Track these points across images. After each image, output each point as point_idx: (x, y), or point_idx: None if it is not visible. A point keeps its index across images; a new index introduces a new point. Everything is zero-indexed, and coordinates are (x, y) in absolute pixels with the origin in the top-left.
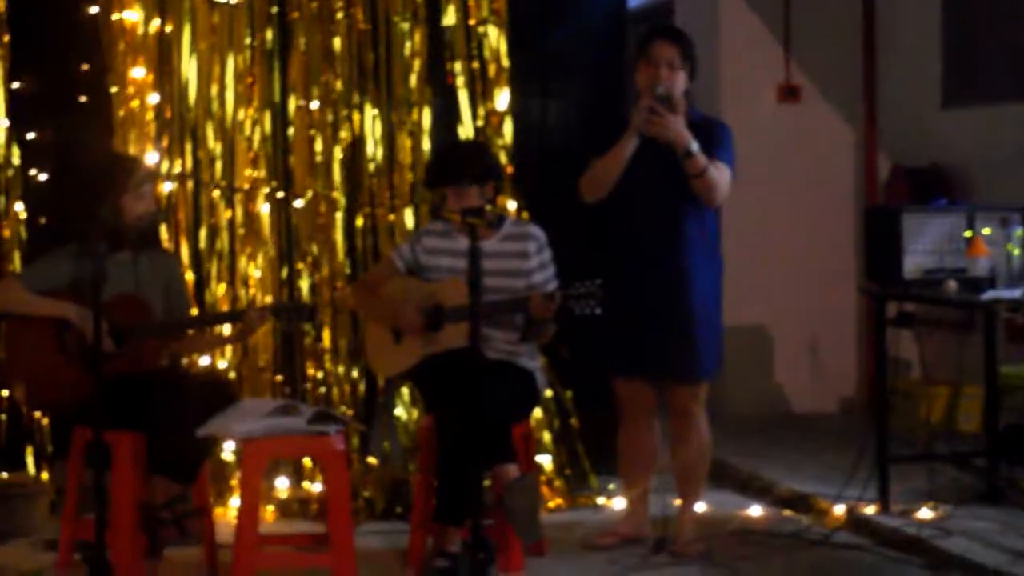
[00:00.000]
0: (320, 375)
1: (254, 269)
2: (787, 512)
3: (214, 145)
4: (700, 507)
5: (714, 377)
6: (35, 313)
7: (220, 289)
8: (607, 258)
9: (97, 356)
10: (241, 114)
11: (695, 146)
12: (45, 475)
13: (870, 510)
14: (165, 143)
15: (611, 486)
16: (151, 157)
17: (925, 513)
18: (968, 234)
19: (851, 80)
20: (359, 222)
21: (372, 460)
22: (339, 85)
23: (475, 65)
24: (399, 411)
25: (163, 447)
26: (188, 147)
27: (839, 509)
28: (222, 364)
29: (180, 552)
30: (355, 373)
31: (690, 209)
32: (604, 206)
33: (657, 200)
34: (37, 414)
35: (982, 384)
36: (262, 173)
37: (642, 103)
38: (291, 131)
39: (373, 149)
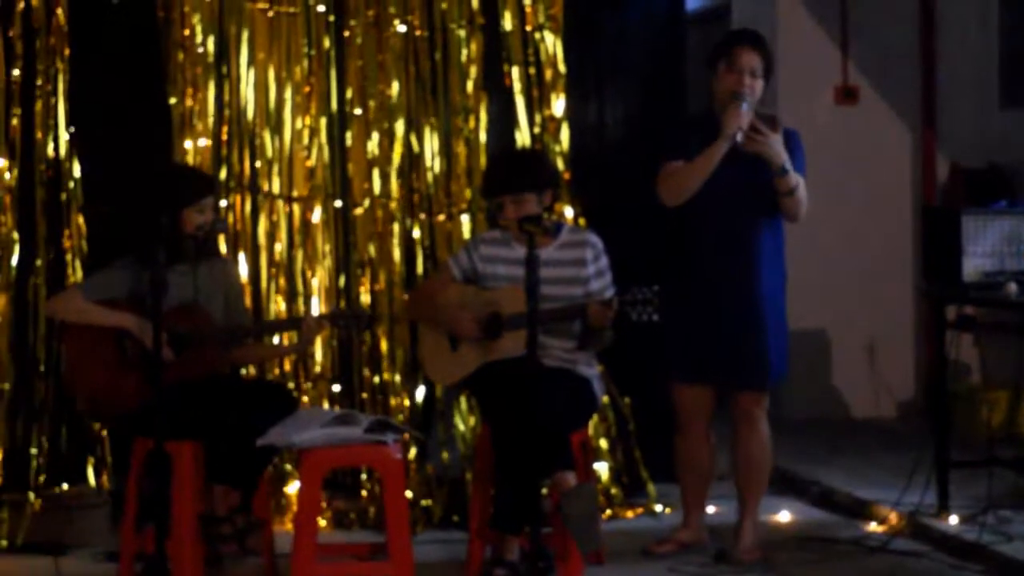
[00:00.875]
0: (377, 383)
1: (312, 278)
2: (846, 518)
3: (272, 154)
4: (759, 513)
5: (782, 383)
6: (95, 323)
7: (278, 298)
8: (675, 263)
9: (157, 365)
10: (298, 123)
11: (789, 164)
12: (106, 485)
13: (930, 516)
14: (223, 153)
15: (669, 494)
16: (210, 168)
17: (986, 519)
18: None
19: (909, 81)
20: (416, 230)
21: (430, 469)
22: (396, 93)
23: (532, 71)
24: (457, 420)
25: (223, 455)
26: (246, 156)
27: (898, 515)
28: (280, 372)
29: (239, 563)
30: (412, 382)
31: (765, 218)
32: (679, 210)
33: (735, 207)
34: (97, 425)
35: None
36: (319, 182)
37: (731, 111)
38: (348, 139)
39: (430, 157)
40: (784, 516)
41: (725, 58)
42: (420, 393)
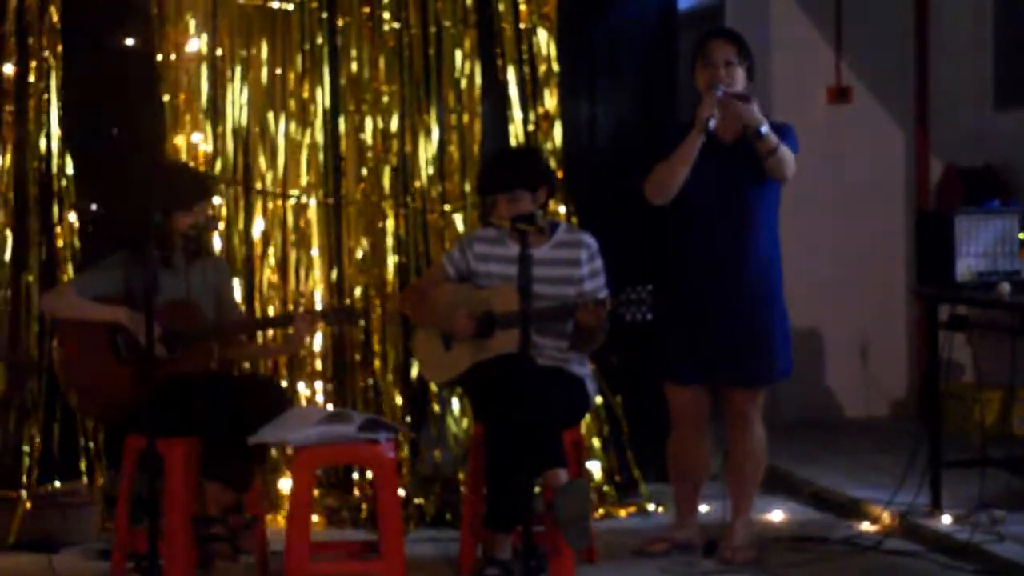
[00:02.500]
0: (370, 382)
1: (305, 274)
2: (839, 518)
3: (264, 151)
4: (751, 513)
5: (786, 380)
6: (88, 318)
7: (271, 295)
8: (669, 263)
9: (149, 361)
10: (292, 120)
11: (766, 126)
12: (99, 482)
13: (922, 516)
14: (216, 149)
15: (661, 493)
16: (202, 164)
17: (978, 518)
18: (1022, 236)
19: (903, 81)
20: (410, 227)
21: (422, 467)
22: (389, 90)
23: (525, 69)
24: (449, 419)
25: (216, 452)
26: (239, 153)
27: (891, 515)
28: (273, 370)
29: (231, 562)
30: (405, 380)
31: (761, 212)
32: (669, 211)
33: (728, 202)
34: (90, 422)
35: None
36: (312, 178)
37: (705, 101)
38: (341, 136)
39: (423, 154)
40: (777, 515)
41: (700, 55)
42: (413, 392)
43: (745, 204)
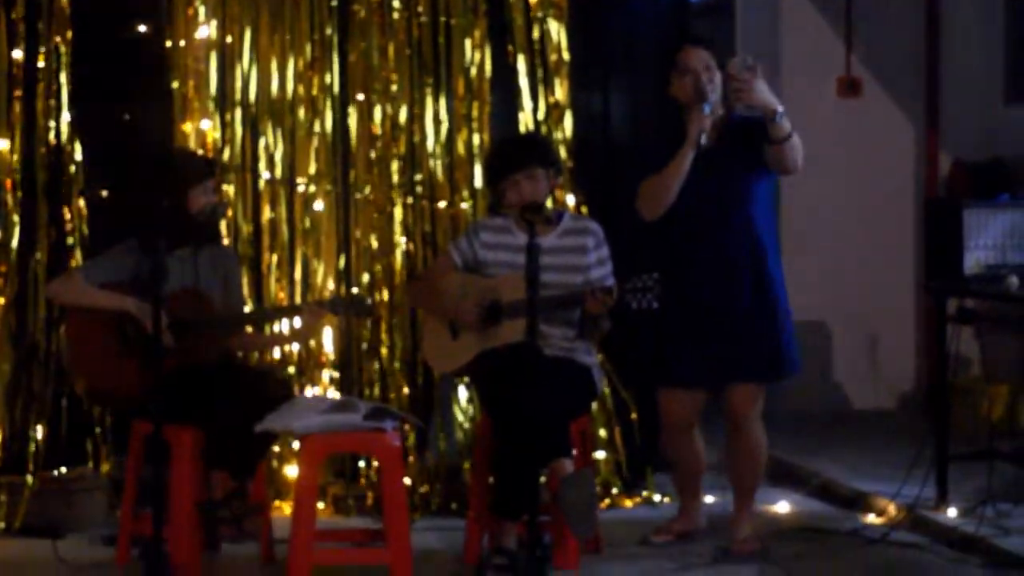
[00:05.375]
0: (377, 370)
1: (313, 263)
2: (845, 510)
3: (273, 139)
4: (757, 505)
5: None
6: (96, 305)
7: (279, 284)
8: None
9: (157, 349)
10: (301, 108)
11: (781, 109)
12: (105, 468)
13: (929, 508)
14: (226, 137)
15: (668, 483)
16: (211, 152)
17: (984, 512)
18: None
19: (913, 74)
20: (418, 217)
21: (428, 456)
22: (399, 79)
23: (536, 59)
24: (455, 408)
25: (221, 441)
26: (248, 141)
27: (897, 507)
28: (279, 359)
29: (237, 547)
30: (412, 369)
31: (754, 206)
32: (662, 223)
33: (717, 200)
34: (97, 409)
35: None
36: (322, 167)
37: (693, 117)
38: (351, 125)
39: (432, 143)
40: (783, 507)
41: (675, 67)
42: (419, 381)
43: (735, 200)
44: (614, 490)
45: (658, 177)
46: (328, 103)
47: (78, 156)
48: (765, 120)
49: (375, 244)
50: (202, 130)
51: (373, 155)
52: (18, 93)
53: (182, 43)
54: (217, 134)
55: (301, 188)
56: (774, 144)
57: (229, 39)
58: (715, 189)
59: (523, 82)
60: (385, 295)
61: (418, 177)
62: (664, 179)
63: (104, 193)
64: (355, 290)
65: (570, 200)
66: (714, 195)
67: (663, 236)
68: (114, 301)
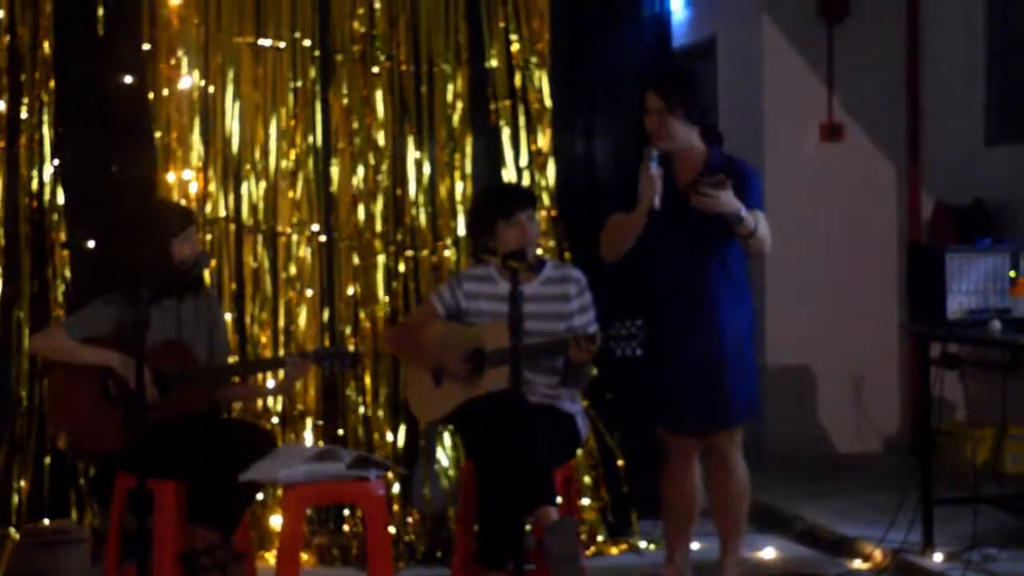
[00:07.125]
0: (361, 419)
1: (296, 312)
2: (831, 555)
3: (256, 188)
4: (743, 551)
5: (750, 421)
6: (79, 361)
7: (262, 333)
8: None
9: (139, 404)
10: (283, 157)
11: (744, 211)
12: (88, 521)
13: (915, 553)
14: (209, 187)
15: (653, 530)
16: (194, 202)
17: (970, 556)
18: (1013, 274)
19: (894, 118)
20: (401, 265)
21: (413, 505)
22: (381, 127)
23: (518, 106)
24: (440, 455)
25: (203, 496)
26: (231, 190)
27: (883, 552)
28: (264, 408)
29: None
30: (395, 417)
31: (712, 258)
32: (639, 260)
33: (677, 254)
34: (80, 462)
35: None
36: (304, 216)
37: (642, 178)
38: (333, 173)
39: (415, 191)
40: (768, 553)
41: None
42: (403, 429)
43: (697, 253)
44: (600, 537)
45: (619, 224)
46: (310, 152)
47: (60, 202)
48: (729, 221)
49: (358, 292)
50: (184, 180)
51: (356, 203)
52: (1, 144)
53: (165, 93)
54: (199, 184)
55: (284, 237)
56: (740, 239)
57: (212, 89)
58: (685, 228)
59: (505, 130)
60: (369, 343)
61: (401, 225)
62: (619, 231)
63: (88, 244)
64: (339, 341)
65: (552, 245)
66: (681, 241)
67: (644, 275)
68: (98, 356)
